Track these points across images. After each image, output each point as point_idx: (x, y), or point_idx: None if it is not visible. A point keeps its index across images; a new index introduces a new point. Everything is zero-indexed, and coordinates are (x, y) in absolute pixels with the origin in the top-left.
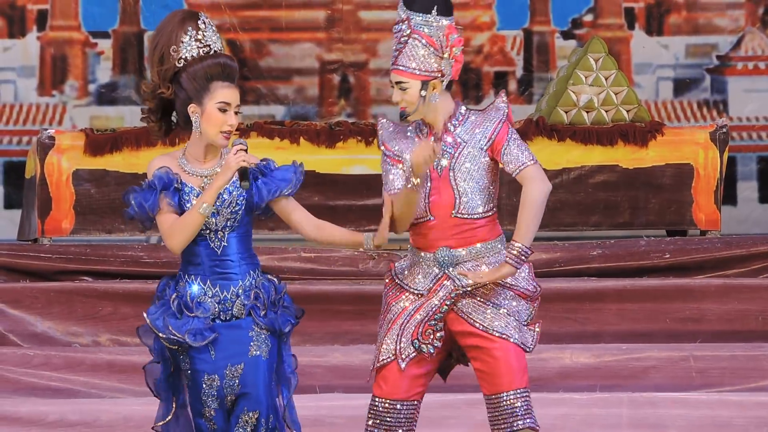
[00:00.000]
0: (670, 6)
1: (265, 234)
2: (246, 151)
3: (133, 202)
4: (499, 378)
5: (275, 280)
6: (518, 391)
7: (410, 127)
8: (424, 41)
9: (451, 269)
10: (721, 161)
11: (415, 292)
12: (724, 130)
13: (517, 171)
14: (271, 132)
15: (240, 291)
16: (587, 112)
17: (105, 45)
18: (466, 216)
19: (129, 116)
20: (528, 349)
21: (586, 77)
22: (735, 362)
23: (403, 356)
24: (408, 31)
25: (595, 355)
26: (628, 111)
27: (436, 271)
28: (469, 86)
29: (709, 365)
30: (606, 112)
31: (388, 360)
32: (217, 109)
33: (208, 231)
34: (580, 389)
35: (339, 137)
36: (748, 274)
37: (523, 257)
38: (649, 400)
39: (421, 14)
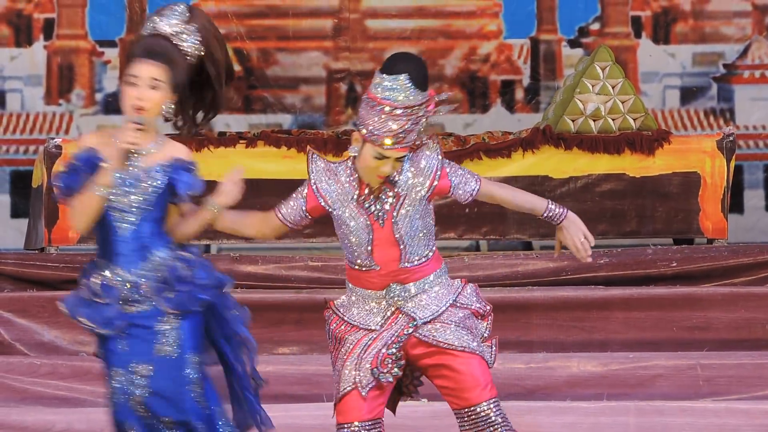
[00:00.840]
0: (676, 15)
1: (272, 242)
2: (141, 129)
3: (62, 184)
4: (468, 391)
5: (190, 254)
6: (490, 401)
7: (340, 168)
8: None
9: (404, 303)
10: (728, 169)
11: (369, 329)
12: (731, 138)
13: (471, 197)
14: (278, 141)
15: (146, 272)
16: (594, 120)
17: (112, 54)
18: (412, 264)
19: None
20: (489, 364)
21: (593, 86)
22: (742, 370)
23: (363, 384)
24: (422, 112)
25: (602, 364)
26: (634, 119)
27: (387, 306)
28: (476, 95)
29: (716, 374)
30: (613, 120)
31: (349, 389)
32: (126, 84)
33: (118, 212)
34: (587, 398)
35: (346, 146)
36: (755, 282)
37: (558, 205)
38: (657, 409)
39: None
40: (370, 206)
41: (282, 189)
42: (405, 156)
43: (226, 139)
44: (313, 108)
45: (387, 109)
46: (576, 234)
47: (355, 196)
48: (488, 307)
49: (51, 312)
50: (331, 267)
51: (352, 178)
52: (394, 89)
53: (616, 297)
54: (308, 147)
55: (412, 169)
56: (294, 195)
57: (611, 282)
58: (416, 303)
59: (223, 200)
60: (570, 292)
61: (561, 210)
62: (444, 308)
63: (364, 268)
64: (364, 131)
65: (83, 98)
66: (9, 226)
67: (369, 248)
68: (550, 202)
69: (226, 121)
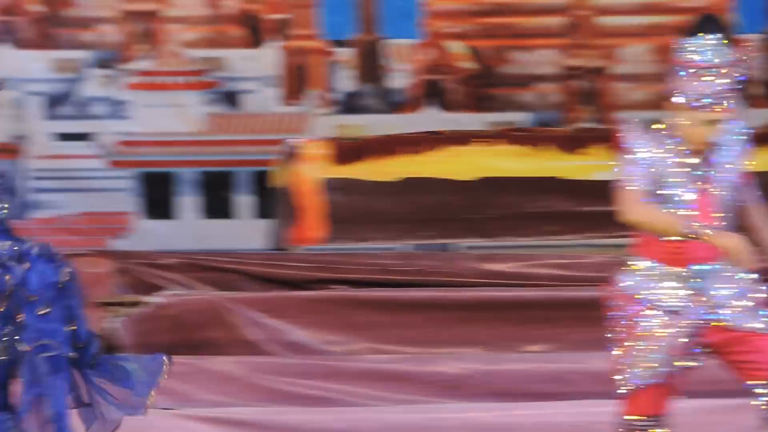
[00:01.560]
0: None
1: (515, 240)
2: None
3: None
4: None
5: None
6: None
7: (662, 134)
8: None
9: (705, 284)
10: None
11: (671, 309)
12: None
13: (747, 202)
14: (516, 138)
15: None
16: None
17: (346, 54)
18: None
19: (372, 124)
20: None
21: None
22: None
23: (669, 374)
24: (733, 72)
25: None
26: None
27: (689, 286)
28: None
29: None
30: None
31: (652, 379)
32: None
33: None
34: None
35: (583, 143)
36: None
37: None
38: None
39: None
40: (696, 171)
41: (522, 187)
42: (722, 119)
43: (462, 138)
44: (548, 106)
45: (693, 71)
46: None
47: (681, 162)
48: None
49: (299, 311)
50: (575, 264)
51: (676, 144)
52: (697, 50)
53: None
54: (623, 122)
55: (730, 138)
56: (628, 172)
57: None
58: (715, 284)
59: None
60: None
61: None
62: (739, 291)
63: (680, 238)
64: (676, 98)
65: (319, 98)
66: (255, 227)
67: (692, 215)
68: None
69: (460, 120)
